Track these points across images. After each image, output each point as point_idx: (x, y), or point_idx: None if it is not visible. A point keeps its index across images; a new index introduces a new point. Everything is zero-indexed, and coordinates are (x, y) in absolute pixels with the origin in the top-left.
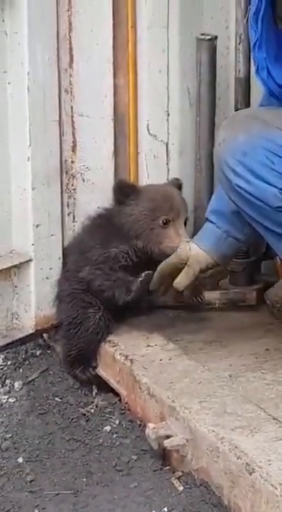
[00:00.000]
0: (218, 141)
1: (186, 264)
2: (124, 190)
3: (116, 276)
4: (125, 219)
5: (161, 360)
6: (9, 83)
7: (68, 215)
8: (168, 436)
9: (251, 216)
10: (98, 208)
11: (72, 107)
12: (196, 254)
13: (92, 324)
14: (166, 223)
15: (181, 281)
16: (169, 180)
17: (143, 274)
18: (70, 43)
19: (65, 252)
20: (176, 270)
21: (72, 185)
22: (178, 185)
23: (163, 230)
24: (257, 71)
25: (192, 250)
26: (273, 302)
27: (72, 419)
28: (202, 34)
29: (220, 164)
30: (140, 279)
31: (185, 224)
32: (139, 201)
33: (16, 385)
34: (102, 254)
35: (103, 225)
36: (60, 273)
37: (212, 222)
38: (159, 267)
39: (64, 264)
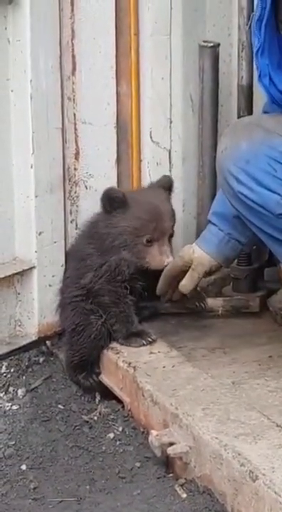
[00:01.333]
0: (221, 148)
1: (190, 267)
2: (113, 202)
3: (123, 306)
4: (110, 229)
5: (164, 367)
6: (12, 91)
7: (71, 222)
8: (171, 444)
9: (253, 223)
10: (94, 213)
11: (75, 115)
12: (200, 257)
13: (95, 330)
14: (149, 241)
15: (186, 284)
16: (160, 178)
17: (151, 339)
18: (73, 50)
19: (66, 259)
20: (181, 273)
21: (75, 192)
22: (169, 185)
23: (146, 248)
24: (259, 78)
25: (195, 253)
26: (276, 309)
27: (76, 426)
28: (205, 41)
29: (222, 172)
30: (148, 339)
31: (171, 236)
32: (126, 215)
33: (19, 392)
34: (102, 264)
35: (99, 232)
36: (62, 280)
37: (214, 224)
38: (165, 271)
39: (65, 271)
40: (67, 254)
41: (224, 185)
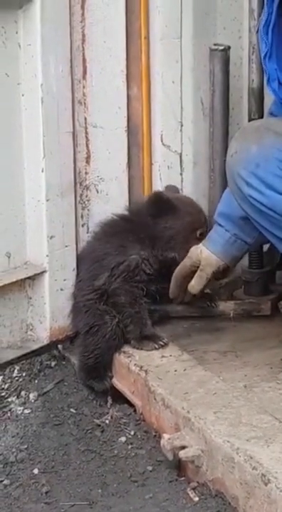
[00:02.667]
0: (231, 152)
1: (198, 267)
2: (161, 205)
3: (138, 308)
4: (163, 232)
5: (176, 370)
6: (23, 95)
7: (82, 226)
8: (183, 447)
9: (263, 226)
10: (111, 214)
11: (85, 119)
12: (208, 257)
13: (110, 330)
14: (201, 235)
15: (195, 284)
16: (167, 187)
17: (162, 342)
18: (84, 54)
19: (77, 263)
20: (190, 273)
21: (87, 196)
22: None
23: (197, 242)
24: (268, 82)
25: (203, 253)
26: None
27: (88, 430)
28: (215, 44)
29: (232, 175)
30: (160, 343)
31: None
32: (177, 215)
33: (31, 396)
34: (120, 263)
35: (118, 231)
36: (74, 284)
37: (220, 225)
38: (175, 273)
39: (77, 274)
40: (78, 258)
41: (234, 188)
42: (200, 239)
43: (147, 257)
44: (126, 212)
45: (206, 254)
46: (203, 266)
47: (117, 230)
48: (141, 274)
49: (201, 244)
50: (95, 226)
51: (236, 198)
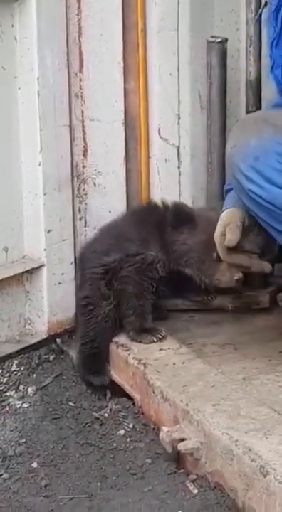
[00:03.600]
0: (230, 145)
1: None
2: (182, 218)
3: (143, 301)
4: (178, 247)
5: (174, 363)
6: (19, 88)
7: (80, 219)
8: (182, 440)
9: (263, 219)
10: (149, 201)
11: (82, 112)
12: (231, 211)
13: (103, 313)
14: (219, 257)
15: (230, 237)
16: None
17: (161, 335)
18: (80, 47)
19: (97, 232)
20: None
21: (84, 190)
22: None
23: (215, 264)
24: (272, 69)
25: (224, 215)
26: None
27: (86, 423)
28: (212, 37)
29: (232, 169)
30: (159, 336)
31: None
32: (195, 232)
33: (30, 390)
34: (139, 253)
35: (148, 222)
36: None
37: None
38: (220, 250)
39: (91, 243)
40: (101, 229)
41: (234, 181)
42: (219, 261)
43: (163, 260)
44: (161, 205)
45: (228, 211)
46: (230, 219)
47: (147, 220)
48: (154, 272)
49: (224, 212)
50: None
51: (236, 191)
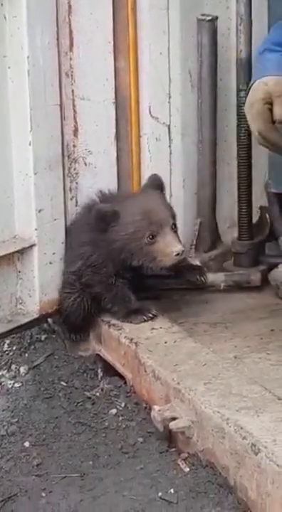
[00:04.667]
0: None
1: (271, 102)
2: (105, 219)
3: (116, 290)
4: (113, 245)
5: (166, 342)
6: (9, 67)
7: (71, 199)
8: (173, 418)
9: None
10: (96, 194)
11: (73, 91)
12: (278, 81)
13: (72, 300)
14: (152, 238)
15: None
16: (149, 178)
17: (151, 314)
18: (70, 26)
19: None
20: (270, 114)
21: (75, 169)
22: (158, 184)
23: (152, 247)
24: None
25: (270, 82)
26: (277, 283)
27: (78, 402)
28: (203, 15)
29: None
30: (149, 315)
31: (175, 228)
32: (120, 226)
33: (22, 369)
34: (91, 255)
35: (87, 224)
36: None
37: (275, 50)
38: (258, 123)
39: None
40: (66, 236)
41: None
42: (153, 242)
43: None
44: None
45: (273, 80)
46: (279, 91)
47: (87, 222)
48: (108, 267)
49: (259, 80)
50: (82, 205)
51: None
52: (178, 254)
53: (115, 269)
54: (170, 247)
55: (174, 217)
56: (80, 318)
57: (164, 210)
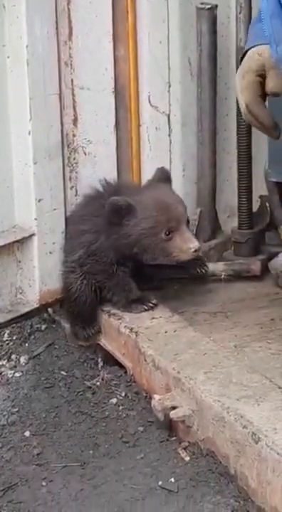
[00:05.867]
0: None
1: (264, 74)
2: (120, 212)
3: (117, 279)
4: (126, 239)
5: (166, 332)
6: (8, 57)
7: (71, 189)
8: (174, 408)
9: None
10: (100, 181)
11: (72, 80)
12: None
13: (77, 290)
14: (169, 234)
15: (277, 83)
16: (157, 171)
17: (152, 303)
18: (69, 15)
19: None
20: (262, 88)
21: (74, 158)
22: (166, 177)
23: (168, 243)
24: None
25: (265, 52)
26: (277, 272)
27: (79, 392)
28: (202, 3)
29: None
30: (149, 304)
31: (188, 222)
32: (137, 221)
33: (22, 359)
34: (92, 242)
35: (95, 210)
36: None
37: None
38: (247, 94)
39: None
40: (66, 226)
41: None
42: (169, 238)
43: (112, 249)
44: (102, 192)
45: (268, 50)
46: (273, 63)
47: (95, 208)
48: (109, 256)
49: (254, 50)
50: (83, 195)
51: None
52: (195, 251)
53: (116, 258)
54: (188, 244)
55: (186, 212)
56: (88, 302)
57: (180, 205)
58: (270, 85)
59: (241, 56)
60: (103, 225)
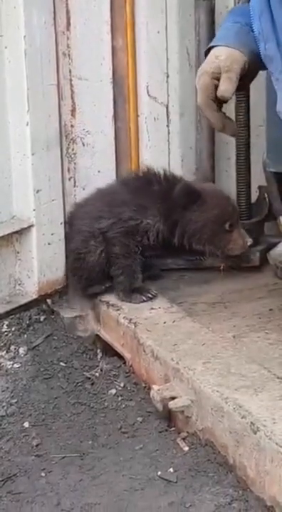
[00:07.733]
0: None
1: (219, 78)
2: (191, 197)
3: (131, 260)
4: (192, 225)
5: (165, 322)
6: (6, 47)
7: (69, 179)
8: (173, 398)
9: None
10: (147, 169)
11: (70, 71)
12: (230, 54)
13: (98, 258)
14: (231, 226)
15: (227, 88)
16: (202, 179)
17: (151, 294)
18: (67, 5)
19: (89, 196)
20: (213, 88)
21: (73, 149)
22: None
23: (228, 234)
24: None
25: (221, 54)
26: (276, 263)
27: (77, 383)
28: None
29: None
30: (149, 295)
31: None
32: (205, 207)
33: (21, 350)
34: (132, 219)
35: (147, 190)
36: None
37: (227, 21)
38: (200, 103)
39: (82, 205)
40: (93, 193)
41: None
42: (230, 231)
43: (159, 231)
44: (160, 175)
45: (226, 53)
46: (228, 66)
47: (145, 188)
48: (144, 239)
49: (213, 52)
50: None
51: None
52: (250, 246)
53: (143, 244)
54: (245, 238)
55: None
56: (103, 270)
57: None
58: (221, 89)
59: (204, 52)
60: (162, 208)
